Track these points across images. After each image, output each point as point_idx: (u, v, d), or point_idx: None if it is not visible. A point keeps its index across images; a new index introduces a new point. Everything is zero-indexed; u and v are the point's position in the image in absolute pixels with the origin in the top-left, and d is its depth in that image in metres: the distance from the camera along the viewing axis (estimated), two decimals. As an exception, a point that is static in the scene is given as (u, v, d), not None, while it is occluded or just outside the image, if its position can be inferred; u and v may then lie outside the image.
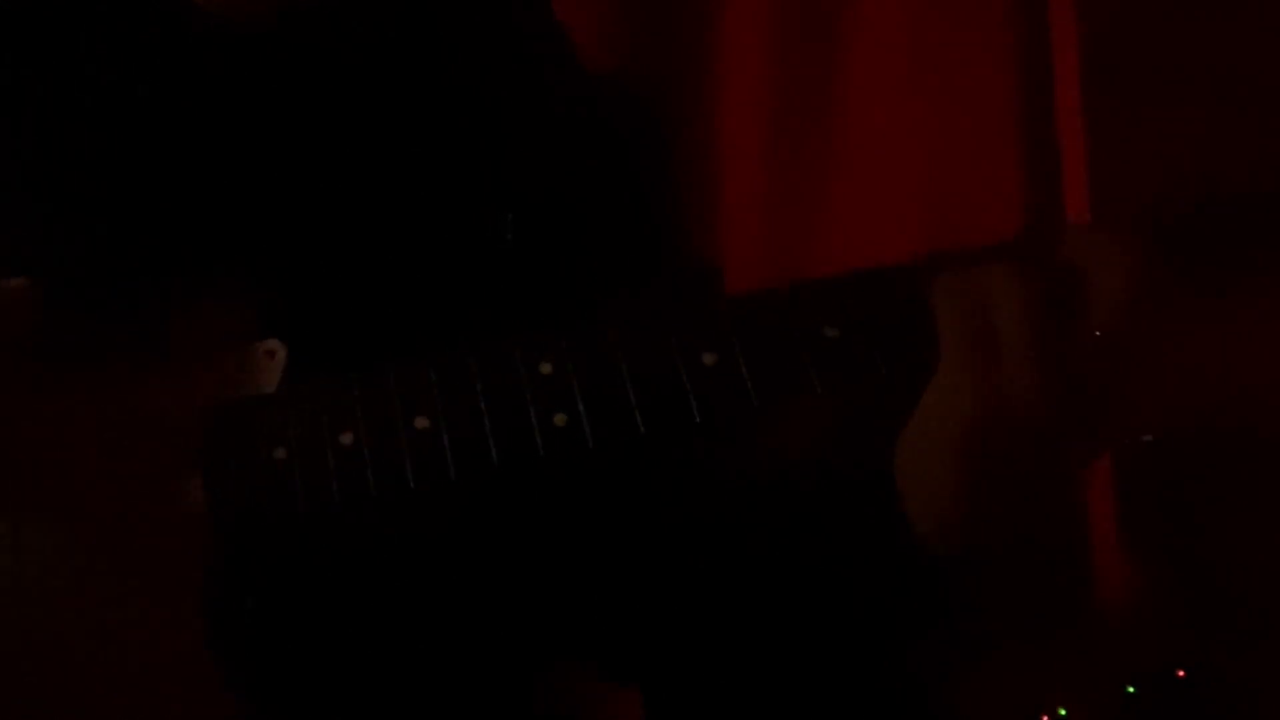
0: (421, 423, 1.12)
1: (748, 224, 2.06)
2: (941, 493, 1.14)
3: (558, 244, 1.30)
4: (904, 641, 1.30)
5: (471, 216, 1.27)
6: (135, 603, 1.11)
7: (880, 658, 1.33)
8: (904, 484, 1.16)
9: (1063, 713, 1.89)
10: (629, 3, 2.04)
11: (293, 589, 1.17)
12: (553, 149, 1.34)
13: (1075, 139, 1.99)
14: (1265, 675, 1.83)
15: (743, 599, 1.28)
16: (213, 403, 1.16)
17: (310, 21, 1.29)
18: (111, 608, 1.11)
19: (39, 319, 1.20)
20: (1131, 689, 1.88)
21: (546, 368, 1.12)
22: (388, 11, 1.33)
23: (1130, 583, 1.95)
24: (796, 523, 1.26)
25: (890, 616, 1.25)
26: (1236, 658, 1.86)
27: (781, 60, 2.08)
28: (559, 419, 1.11)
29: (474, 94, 1.32)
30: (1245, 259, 1.14)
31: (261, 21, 1.28)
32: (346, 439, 1.13)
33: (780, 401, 1.12)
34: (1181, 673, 1.87)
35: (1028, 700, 1.90)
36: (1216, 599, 1.87)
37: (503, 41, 1.38)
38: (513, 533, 1.25)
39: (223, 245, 1.23)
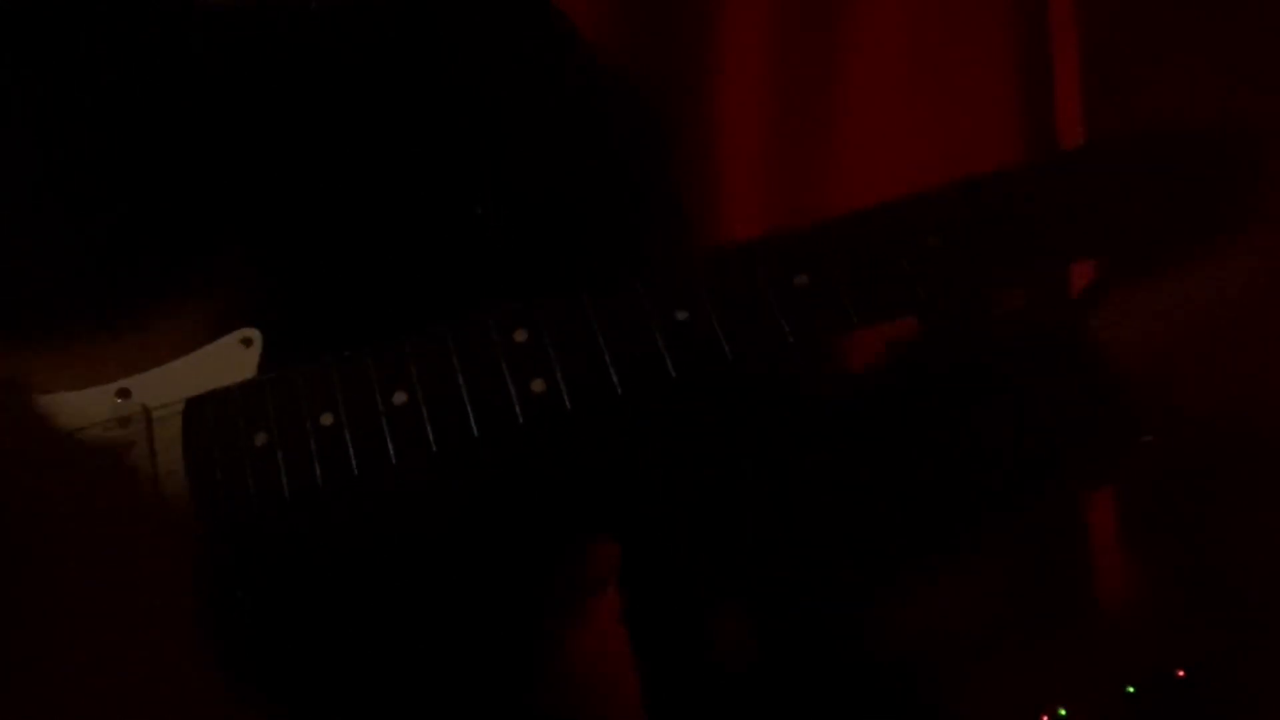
0: (400, 398, 1.13)
1: (748, 224, 2.07)
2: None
3: (540, 231, 1.30)
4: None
5: (447, 202, 1.27)
6: (125, 596, 1.11)
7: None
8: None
9: (1063, 713, 1.88)
10: (629, 3, 2.05)
11: (283, 574, 1.17)
12: (539, 137, 1.34)
13: (1075, 139, 1.99)
14: (1265, 675, 1.82)
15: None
16: (192, 392, 1.17)
17: (297, 8, 1.30)
18: (102, 611, 1.12)
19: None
20: (1131, 689, 1.87)
21: (521, 335, 1.13)
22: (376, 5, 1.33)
23: (1130, 583, 1.95)
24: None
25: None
26: (1236, 658, 1.85)
27: (781, 60, 2.08)
28: (536, 385, 1.12)
29: (456, 81, 1.33)
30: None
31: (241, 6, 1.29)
32: (327, 420, 1.14)
33: (754, 354, 1.14)
34: (1181, 673, 1.86)
35: (1028, 700, 1.89)
36: (1216, 599, 1.86)
37: (495, 30, 1.38)
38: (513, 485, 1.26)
39: (197, 233, 1.24)
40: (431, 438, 1.11)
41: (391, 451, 1.12)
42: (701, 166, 2.06)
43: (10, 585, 1.09)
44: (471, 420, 1.11)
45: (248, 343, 1.17)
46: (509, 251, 1.27)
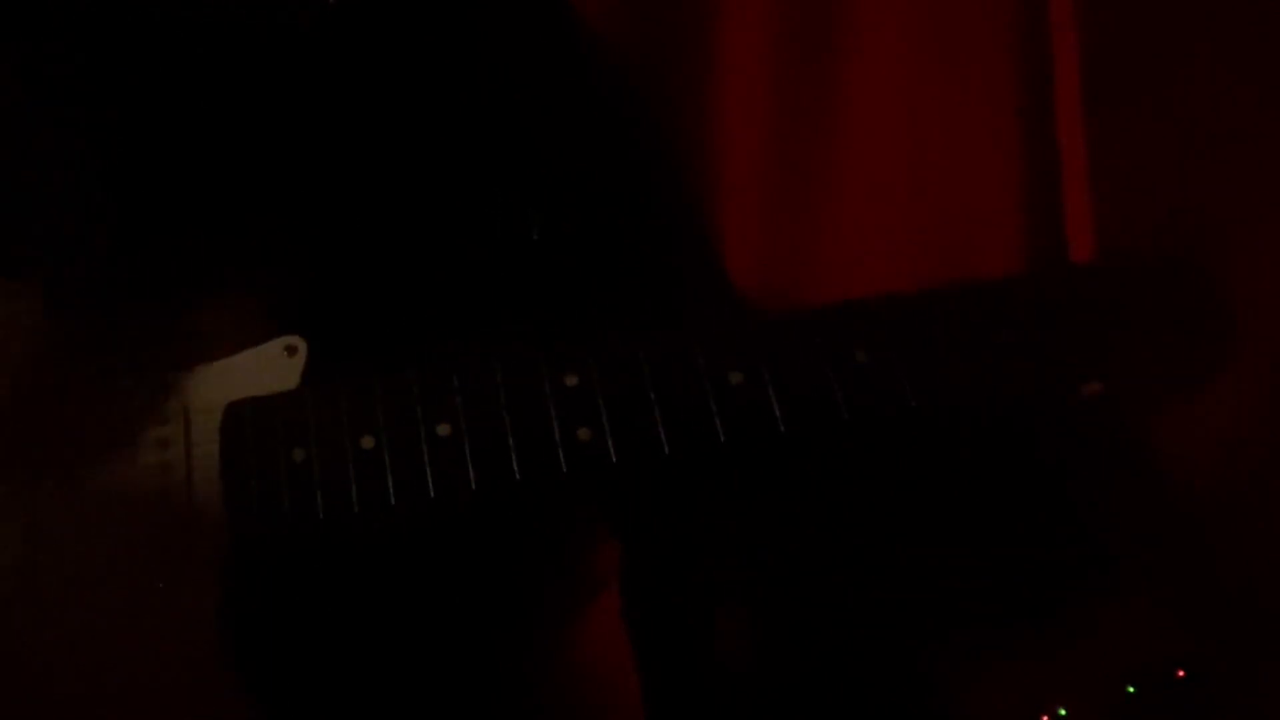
0: (444, 430, 1.12)
1: (747, 226, 2.06)
2: None
3: (585, 244, 1.30)
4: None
5: (497, 214, 1.27)
6: (151, 602, 1.11)
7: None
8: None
9: (1063, 713, 1.88)
10: (629, 3, 2.04)
11: (302, 579, 1.17)
12: (582, 149, 1.34)
13: (1075, 143, 1.99)
14: (1265, 675, 1.83)
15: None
16: (233, 399, 1.16)
17: (340, 18, 1.29)
18: (127, 607, 1.11)
19: (44, 319, 1.20)
20: (1131, 689, 1.88)
21: (572, 380, 1.12)
22: (418, 9, 1.32)
23: (1130, 582, 1.95)
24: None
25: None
26: (1236, 658, 1.86)
27: (782, 62, 2.08)
28: (582, 433, 1.12)
29: (501, 93, 1.32)
30: None
31: (291, 19, 1.28)
32: (367, 443, 1.13)
33: (808, 426, 1.13)
34: (1181, 673, 1.87)
35: (1028, 700, 1.90)
36: (1216, 599, 1.87)
37: (535, 41, 1.37)
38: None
39: (244, 239, 1.23)
40: (472, 475, 1.11)
41: (430, 485, 1.11)
42: (702, 166, 2.06)
43: (32, 579, 1.09)
44: (514, 462, 1.11)
45: (292, 350, 1.16)
46: (558, 271, 1.27)
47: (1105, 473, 1.22)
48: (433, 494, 1.11)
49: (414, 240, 1.24)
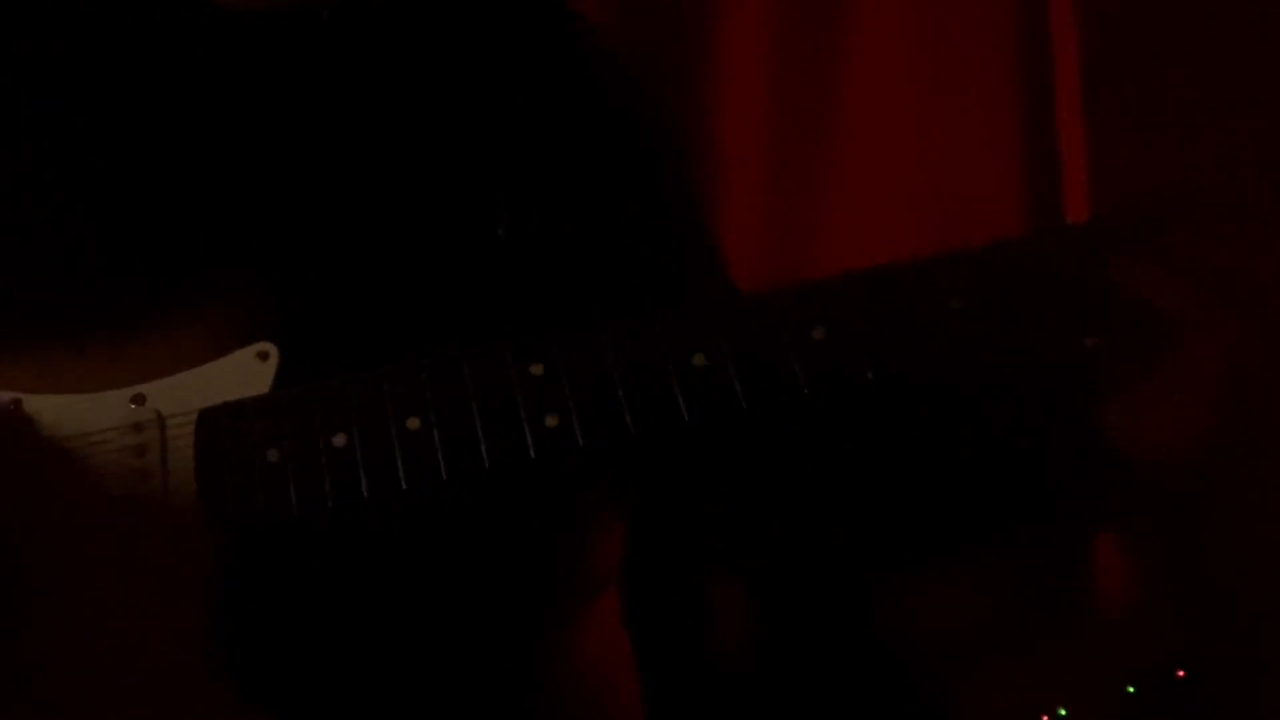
0: (413, 423, 1.14)
1: (748, 225, 2.07)
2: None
3: (561, 253, 1.30)
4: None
5: (465, 218, 1.28)
6: (134, 605, 1.12)
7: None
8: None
9: (1063, 713, 1.88)
10: (629, 3, 2.04)
11: (288, 583, 1.18)
12: (561, 155, 1.34)
13: (1075, 139, 1.99)
14: (1265, 675, 1.83)
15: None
16: (206, 404, 1.17)
17: (309, 18, 1.30)
18: (109, 614, 1.12)
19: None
20: (1131, 689, 1.87)
21: (537, 369, 1.14)
22: (385, 9, 1.33)
23: (1130, 583, 1.95)
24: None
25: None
26: (1236, 658, 1.85)
27: (782, 62, 2.08)
28: (550, 420, 1.13)
29: (476, 98, 1.33)
30: None
31: (258, 15, 1.28)
32: (339, 440, 1.14)
33: (769, 404, 1.14)
34: (1181, 673, 1.86)
35: (1028, 700, 1.90)
36: (1216, 599, 1.86)
37: (517, 44, 1.37)
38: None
39: (215, 246, 1.24)
40: (442, 466, 1.12)
41: (402, 477, 1.12)
42: (702, 167, 2.06)
43: (17, 590, 1.09)
44: (483, 451, 1.12)
45: (264, 356, 1.17)
46: (529, 273, 1.27)
47: (1086, 455, 1.22)
48: (404, 486, 1.12)
49: (389, 246, 1.25)
